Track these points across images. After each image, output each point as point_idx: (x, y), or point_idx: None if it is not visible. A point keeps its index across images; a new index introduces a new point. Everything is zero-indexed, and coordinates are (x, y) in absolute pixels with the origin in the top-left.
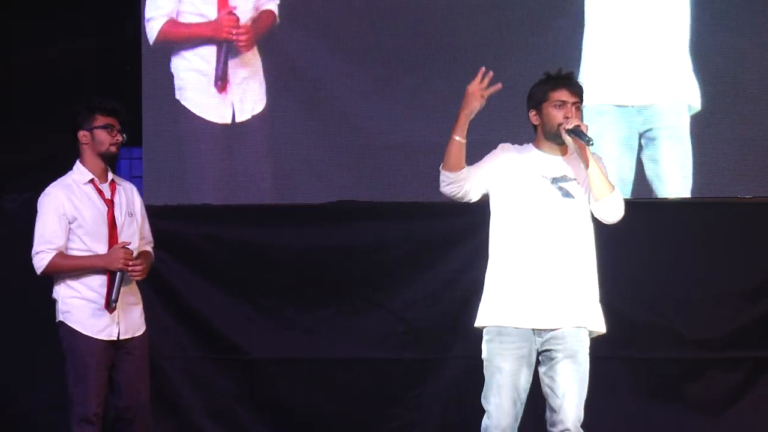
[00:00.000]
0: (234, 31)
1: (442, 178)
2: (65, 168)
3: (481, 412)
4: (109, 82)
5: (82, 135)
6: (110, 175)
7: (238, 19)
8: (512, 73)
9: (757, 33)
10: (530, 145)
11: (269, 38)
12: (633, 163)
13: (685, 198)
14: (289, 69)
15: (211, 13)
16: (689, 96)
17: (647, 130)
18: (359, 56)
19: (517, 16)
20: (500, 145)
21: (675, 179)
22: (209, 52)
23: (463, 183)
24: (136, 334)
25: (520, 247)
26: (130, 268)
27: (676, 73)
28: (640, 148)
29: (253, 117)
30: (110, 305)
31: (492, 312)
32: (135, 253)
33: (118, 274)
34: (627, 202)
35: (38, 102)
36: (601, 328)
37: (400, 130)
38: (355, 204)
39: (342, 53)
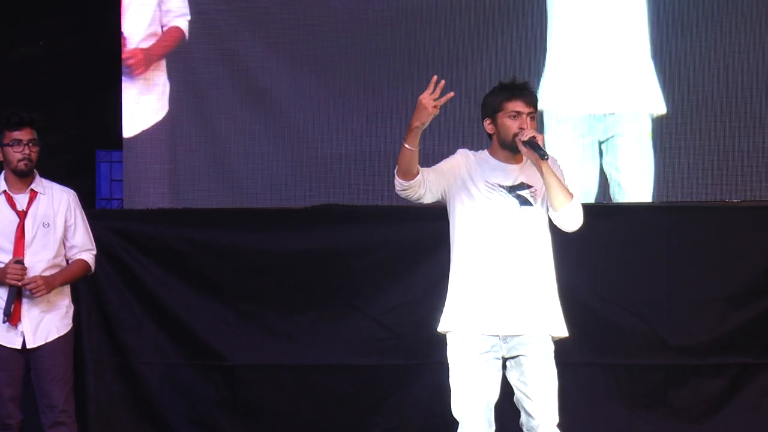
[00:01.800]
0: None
1: (395, 182)
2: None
3: None
4: (88, 83)
5: None
6: (34, 185)
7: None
8: (471, 82)
9: (716, 38)
10: (485, 152)
11: (219, 48)
12: (596, 171)
13: (670, 202)
14: (242, 78)
15: None
16: (651, 103)
17: (608, 138)
18: (310, 66)
19: (475, 24)
20: (459, 150)
21: (636, 185)
22: None
23: (417, 188)
24: (49, 339)
25: (480, 255)
26: (23, 285)
27: (637, 80)
28: (601, 155)
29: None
30: (3, 318)
31: (456, 318)
32: (66, 262)
33: (11, 288)
34: (611, 206)
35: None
36: (563, 332)
37: (350, 139)
38: (337, 208)
39: (293, 63)
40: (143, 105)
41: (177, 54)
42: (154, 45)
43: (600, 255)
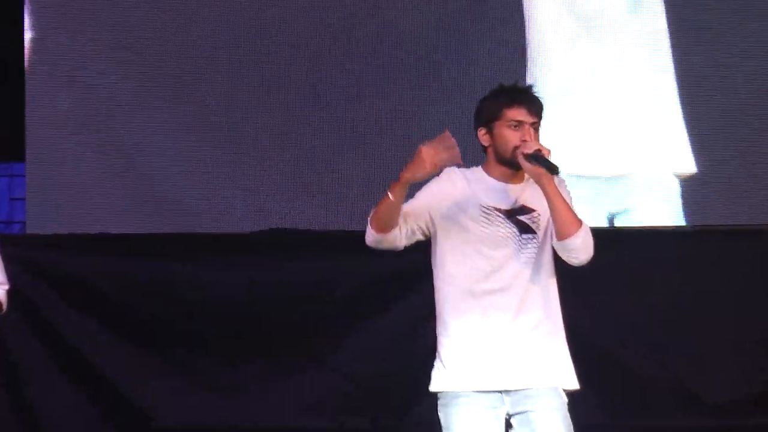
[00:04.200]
0: None
1: (369, 234)
2: None
3: None
4: None
5: None
6: None
7: None
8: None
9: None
10: (479, 169)
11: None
12: None
13: (700, 226)
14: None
15: None
16: (677, 161)
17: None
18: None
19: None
20: (445, 171)
21: None
22: None
23: (393, 240)
24: None
25: (472, 295)
26: None
27: (660, 134)
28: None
29: None
30: None
31: (447, 374)
32: None
33: None
34: (625, 232)
35: None
36: (573, 384)
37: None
38: (288, 233)
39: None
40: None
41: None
42: None
43: (612, 290)
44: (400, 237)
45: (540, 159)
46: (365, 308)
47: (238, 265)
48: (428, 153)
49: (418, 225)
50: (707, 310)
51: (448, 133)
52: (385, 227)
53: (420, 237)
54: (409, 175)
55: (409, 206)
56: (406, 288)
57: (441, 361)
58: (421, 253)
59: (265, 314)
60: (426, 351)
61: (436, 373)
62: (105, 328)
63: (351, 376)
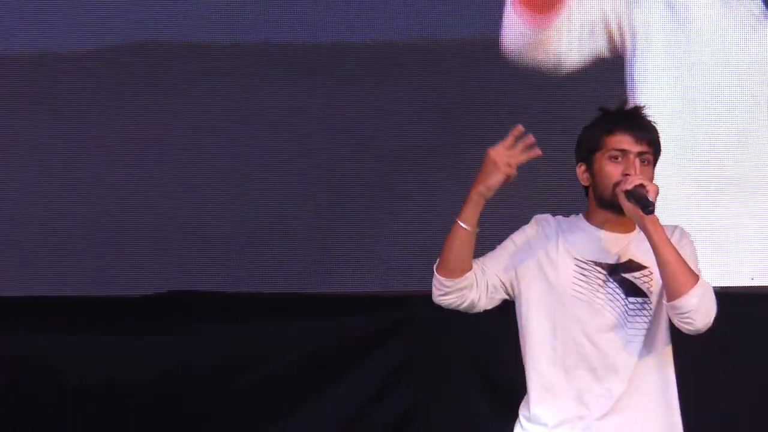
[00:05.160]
0: None
1: (435, 284)
2: None
3: None
4: None
5: None
6: None
7: None
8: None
9: None
10: (579, 217)
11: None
12: None
13: None
14: None
15: None
16: None
17: None
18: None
19: None
20: (535, 218)
21: None
22: None
23: (467, 290)
24: None
25: (565, 373)
26: None
27: None
28: None
29: None
30: None
31: None
32: None
33: None
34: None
35: None
36: None
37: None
38: (197, 296)
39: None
40: None
41: None
42: None
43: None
44: (477, 290)
45: (634, 194)
46: (303, 386)
47: (130, 337)
48: (499, 153)
49: (500, 280)
50: None
51: (520, 128)
52: (455, 268)
53: (503, 295)
54: (482, 187)
55: (489, 258)
56: (352, 362)
57: None
58: (373, 318)
59: (175, 396)
60: None
61: None
62: None
63: None
